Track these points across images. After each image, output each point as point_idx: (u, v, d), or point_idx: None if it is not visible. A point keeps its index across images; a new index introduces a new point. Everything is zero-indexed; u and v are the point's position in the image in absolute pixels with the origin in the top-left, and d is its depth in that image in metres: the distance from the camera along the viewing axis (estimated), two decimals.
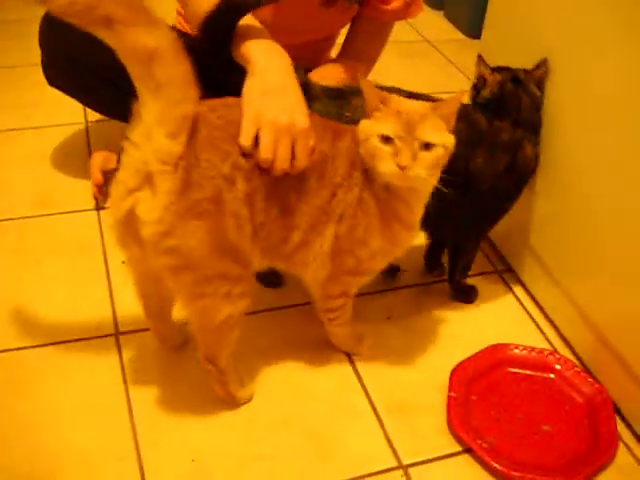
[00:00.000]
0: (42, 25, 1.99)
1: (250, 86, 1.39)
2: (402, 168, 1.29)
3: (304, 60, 1.94)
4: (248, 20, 1.51)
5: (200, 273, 1.33)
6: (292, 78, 1.43)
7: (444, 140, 1.33)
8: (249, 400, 1.58)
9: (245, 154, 1.31)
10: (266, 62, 1.43)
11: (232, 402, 1.56)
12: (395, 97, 1.38)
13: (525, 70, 1.69)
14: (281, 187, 1.35)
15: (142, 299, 1.55)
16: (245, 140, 1.31)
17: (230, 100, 1.37)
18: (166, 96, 1.21)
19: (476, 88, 1.71)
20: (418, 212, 1.45)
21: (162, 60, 1.18)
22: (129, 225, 1.28)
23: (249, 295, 1.42)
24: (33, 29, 1.99)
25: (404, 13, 1.93)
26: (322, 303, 1.58)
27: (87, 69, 1.95)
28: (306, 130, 1.36)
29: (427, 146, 1.31)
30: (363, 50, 2.00)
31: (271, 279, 1.85)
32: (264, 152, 1.31)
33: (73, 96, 2.12)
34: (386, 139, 1.31)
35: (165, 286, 1.40)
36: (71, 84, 2.08)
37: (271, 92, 1.37)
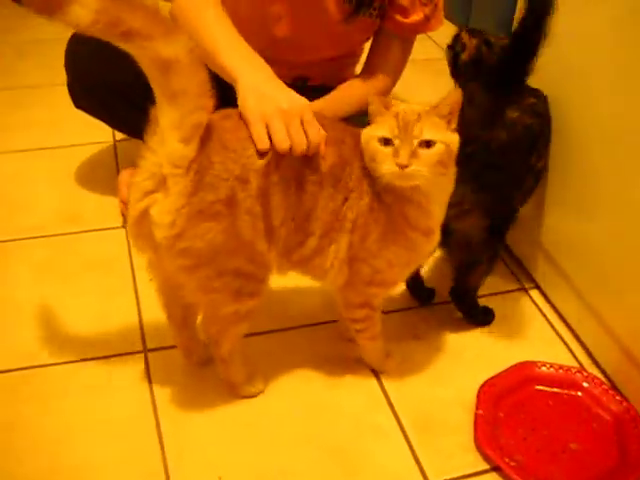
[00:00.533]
0: (68, 48, 2.03)
1: (244, 99, 1.42)
2: (401, 167, 1.31)
3: (327, 77, 1.96)
4: (224, 31, 1.59)
5: (213, 269, 1.36)
6: (278, 80, 1.49)
7: (444, 138, 1.34)
8: (252, 396, 1.60)
9: (261, 154, 1.34)
10: (251, 77, 1.49)
11: (231, 390, 1.59)
12: (396, 101, 1.40)
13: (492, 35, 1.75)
14: (297, 188, 1.37)
15: (165, 308, 1.57)
16: (262, 144, 1.34)
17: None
18: (181, 104, 1.24)
19: (453, 50, 1.77)
20: (435, 216, 1.45)
21: (179, 70, 1.21)
22: (144, 227, 1.31)
23: (260, 295, 1.45)
24: (58, 49, 2.03)
25: (424, 27, 1.94)
26: (345, 312, 1.59)
27: (112, 91, 1.98)
28: (308, 106, 1.41)
29: (427, 144, 1.32)
30: (384, 65, 2.00)
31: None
32: (281, 143, 1.34)
33: (98, 117, 2.16)
34: (385, 141, 1.33)
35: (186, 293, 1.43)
36: (96, 106, 2.12)
37: (264, 94, 1.42)
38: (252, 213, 1.34)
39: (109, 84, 1.97)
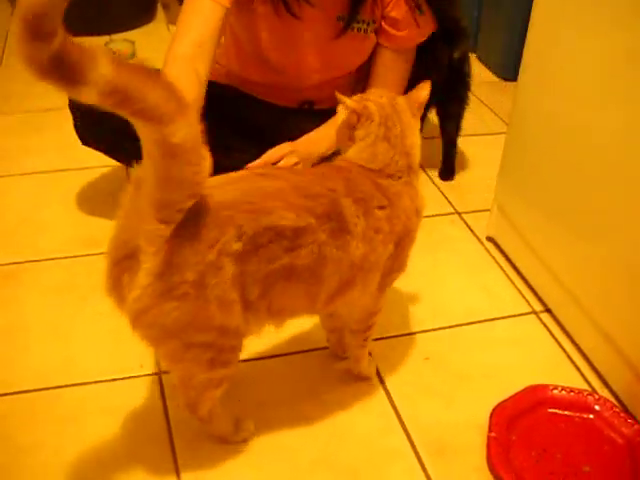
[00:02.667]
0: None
1: None
2: None
3: (332, 99, 2.00)
4: None
5: (181, 343, 1.32)
6: None
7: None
8: (244, 441, 1.57)
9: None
10: None
11: (221, 442, 1.56)
12: (370, 104, 1.47)
13: None
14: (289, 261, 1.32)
15: None
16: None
17: (225, 177, 1.35)
18: (173, 190, 1.19)
19: None
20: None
21: (182, 158, 1.14)
22: (119, 288, 1.29)
23: (235, 363, 1.41)
24: None
25: (417, 37, 1.98)
26: (363, 324, 1.59)
27: (117, 130, 2.02)
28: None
29: None
30: (383, 80, 2.04)
31: None
32: None
33: (107, 155, 2.18)
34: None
35: None
36: (103, 145, 2.15)
37: None
38: (224, 300, 1.28)
39: (113, 124, 2.00)
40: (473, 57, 3.55)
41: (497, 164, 2.14)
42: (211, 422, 1.52)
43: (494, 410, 1.62)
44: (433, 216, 2.25)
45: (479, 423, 1.61)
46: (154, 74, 1.11)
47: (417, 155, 1.49)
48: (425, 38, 2.00)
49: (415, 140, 1.48)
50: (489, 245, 2.21)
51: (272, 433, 1.60)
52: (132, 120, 1.11)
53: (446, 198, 2.42)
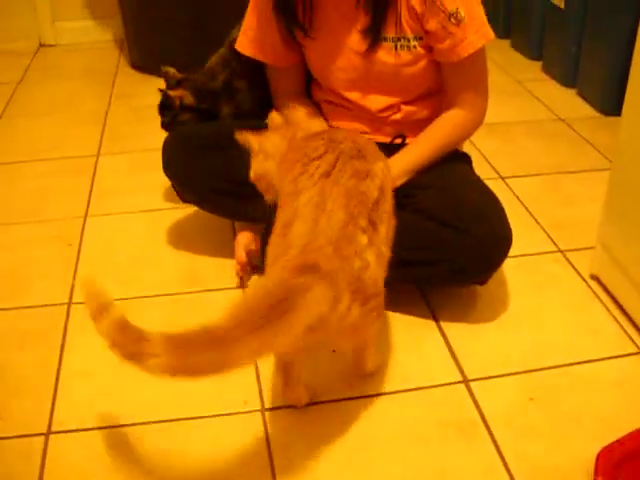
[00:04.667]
0: (163, 157, 2.21)
1: None
2: None
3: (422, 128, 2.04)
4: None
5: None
6: None
7: None
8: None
9: None
10: None
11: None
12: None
13: None
14: None
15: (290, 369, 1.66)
16: None
17: None
18: None
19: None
20: None
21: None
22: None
23: None
24: None
25: (467, 46, 1.90)
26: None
27: (209, 188, 2.14)
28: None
29: None
30: (453, 91, 2.02)
31: None
32: None
33: (207, 211, 2.31)
34: None
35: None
36: (198, 200, 2.27)
37: None
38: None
39: (205, 182, 2.12)
40: (573, 93, 3.52)
41: (600, 200, 2.10)
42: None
43: (600, 453, 1.57)
44: (536, 254, 2.22)
45: (585, 467, 1.56)
46: None
47: None
48: (477, 48, 1.91)
49: None
50: (593, 283, 2.17)
51: (375, 474, 1.59)
52: None
53: (549, 236, 2.39)
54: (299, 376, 1.68)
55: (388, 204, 1.64)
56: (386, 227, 1.59)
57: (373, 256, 1.52)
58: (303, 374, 1.69)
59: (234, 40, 2.18)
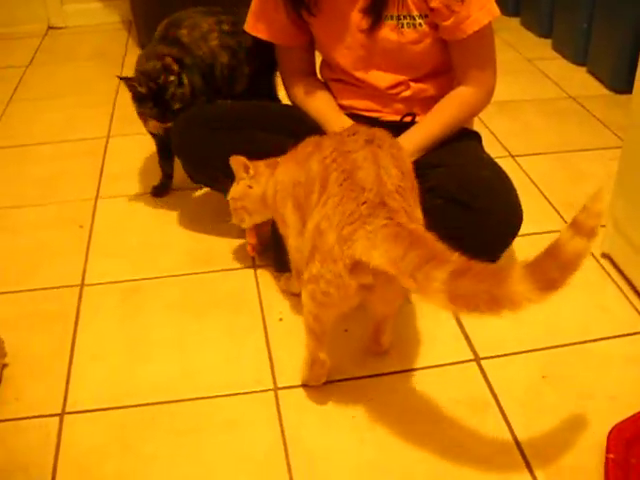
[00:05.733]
0: (174, 141, 2.22)
1: None
2: None
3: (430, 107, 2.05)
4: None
5: None
6: None
7: None
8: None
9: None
10: None
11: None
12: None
13: None
14: None
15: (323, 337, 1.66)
16: None
17: None
18: None
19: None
20: None
21: None
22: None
23: None
24: None
25: (471, 23, 1.89)
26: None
27: (221, 169, 2.10)
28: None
29: None
30: (462, 70, 2.02)
31: None
32: None
33: (213, 189, 2.33)
34: None
35: None
36: (209, 181, 2.30)
37: None
38: None
39: (219, 167, 2.08)
40: (583, 71, 3.50)
41: (611, 179, 2.10)
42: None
43: (612, 431, 1.57)
44: (547, 232, 2.21)
45: (597, 444, 1.57)
46: None
47: None
48: (482, 25, 1.90)
49: None
50: (604, 262, 2.17)
51: (390, 452, 1.59)
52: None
53: (560, 215, 2.38)
54: (326, 353, 1.68)
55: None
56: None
57: (420, 214, 1.56)
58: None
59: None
